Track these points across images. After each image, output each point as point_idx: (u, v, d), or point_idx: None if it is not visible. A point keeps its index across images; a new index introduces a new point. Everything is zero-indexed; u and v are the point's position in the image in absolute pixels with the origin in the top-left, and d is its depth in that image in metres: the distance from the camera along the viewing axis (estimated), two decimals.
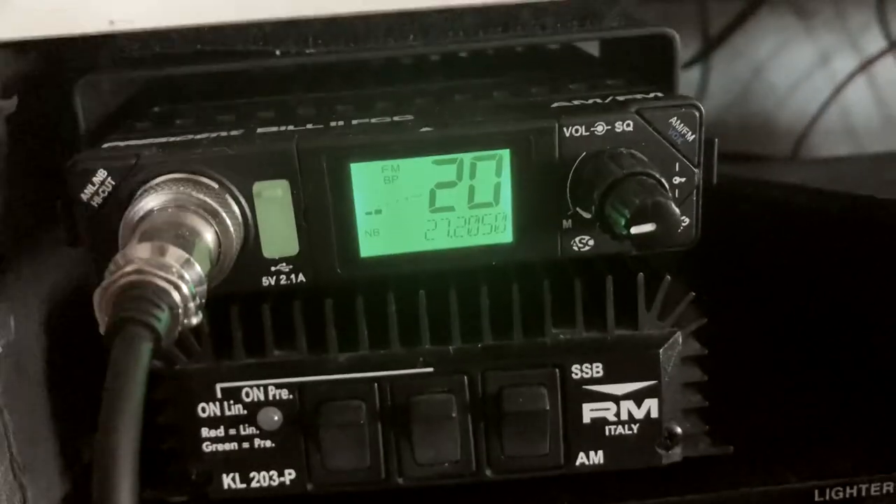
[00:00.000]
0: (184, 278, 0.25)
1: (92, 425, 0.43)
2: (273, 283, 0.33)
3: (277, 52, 0.34)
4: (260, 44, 0.35)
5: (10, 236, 0.36)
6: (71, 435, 0.41)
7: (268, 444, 0.36)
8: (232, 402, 0.35)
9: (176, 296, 0.25)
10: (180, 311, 0.25)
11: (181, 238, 0.27)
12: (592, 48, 0.47)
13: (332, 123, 0.33)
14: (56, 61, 0.39)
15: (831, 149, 0.76)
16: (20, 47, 0.34)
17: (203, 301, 0.26)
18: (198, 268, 0.26)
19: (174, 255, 0.26)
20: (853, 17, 0.74)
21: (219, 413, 0.35)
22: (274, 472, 0.36)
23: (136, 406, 0.22)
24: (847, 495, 0.37)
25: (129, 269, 0.25)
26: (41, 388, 0.38)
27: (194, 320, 0.26)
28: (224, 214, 0.30)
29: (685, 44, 0.35)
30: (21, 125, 0.37)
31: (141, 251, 0.26)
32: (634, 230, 0.28)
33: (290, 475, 0.36)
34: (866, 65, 0.74)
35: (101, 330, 0.25)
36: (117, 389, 0.22)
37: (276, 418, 0.35)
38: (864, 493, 0.37)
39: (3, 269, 0.35)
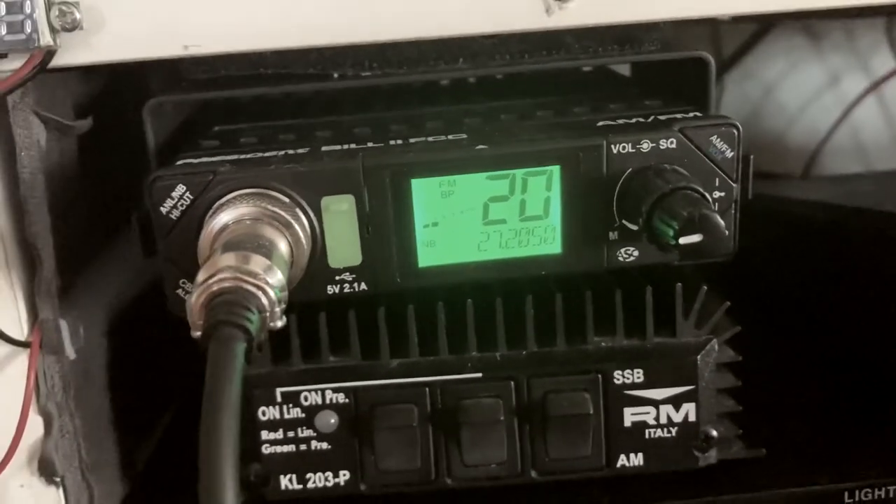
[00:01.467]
0: (269, 283, 0.27)
1: (147, 431, 0.45)
2: (337, 291, 0.34)
3: (335, 75, 0.37)
4: (318, 67, 0.37)
5: (82, 249, 0.38)
6: (128, 439, 0.42)
7: (324, 446, 0.37)
8: (291, 405, 0.37)
9: (264, 300, 0.27)
10: (268, 314, 0.27)
11: (262, 248, 0.29)
12: (622, 69, 0.50)
13: (392, 142, 0.35)
14: (120, 83, 0.42)
15: (841, 167, 0.78)
16: (90, 69, 0.36)
17: (285, 305, 0.28)
18: (279, 274, 0.28)
19: (258, 262, 0.28)
20: (863, 38, 0.76)
21: (278, 416, 0.37)
22: (329, 473, 0.38)
23: (235, 401, 0.24)
24: (876, 497, 0.38)
25: (220, 276, 0.27)
26: (104, 393, 0.40)
27: (279, 323, 0.27)
28: (296, 226, 0.32)
29: None
30: (89, 144, 0.39)
31: (227, 259, 0.27)
32: (683, 241, 0.30)
33: (344, 476, 0.38)
34: (876, 85, 0.76)
35: (194, 333, 0.27)
36: (217, 386, 0.24)
37: (332, 421, 0.37)
38: (892, 495, 0.38)
39: (74, 280, 0.37)
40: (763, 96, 0.78)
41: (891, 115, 0.79)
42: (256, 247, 0.29)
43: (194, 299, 0.26)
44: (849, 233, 0.48)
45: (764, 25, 0.74)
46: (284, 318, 0.28)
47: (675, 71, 0.39)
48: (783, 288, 0.53)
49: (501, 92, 0.42)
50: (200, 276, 0.27)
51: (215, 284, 0.26)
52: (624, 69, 0.50)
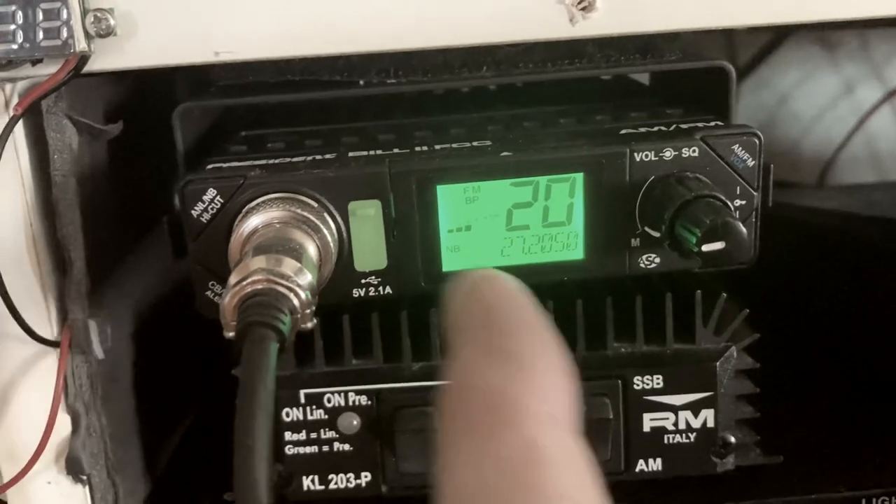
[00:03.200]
0: (300, 286, 0.28)
1: (170, 430, 0.46)
2: (363, 294, 0.35)
3: (361, 82, 0.37)
4: (345, 74, 0.37)
5: (111, 251, 0.39)
6: (153, 438, 0.43)
7: (346, 447, 0.38)
8: (314, 407, 0.37)
9: (295, 301, 0.27)
10: (299, 315, 0.27)
11: (292, 251, 0.29)
12: (641, 78, 0.50)
13: (417, 148, 0.36)
14: (149, 88, 0.42)
15: (856, 177, 0.78)
16: (121, 75, 0.37)
17: (314, 307, 0.29)
18: (310, 276, 0.29)
19: (289, 265, 0.28)
20: (878, 48, 0.76)
21: (301, 418, 0.38)
22: (351, 475, 0.38)
23: (268, 399, 0.24)
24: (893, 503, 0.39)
25: (252, 278, 0.27)
26: (130, 393, 0.41)
27: (309, 325, 0.28)
28: (324, 230, 0.32)
29: None
30: (119, 147, 0.40)
31: (259, 262, 0.28)
32: (705, 248, 0.30)
33: (366, 477, 0.38)
34: (891, 95, 0.76)
35: (227, 334, 0.27)
36: (252, 385, 0.24)
37: (354, 423, 0.37)
38: None
39: (103, 281, 0.38)
40: (778, 105, 0.78)
41: None
42: (287, 250, 0.29)
43: (227, 300, 0.27)
44: (867, 241, 0.49)
45: (779, 35, 0.74)
46: (314, 320, 0.28)
47: (696, 80, 0.40)
48: (801, 296, 0.53)
49: (524, 99, 0.43)
50: (233, 279, 0.28)
51: (248, 286, 0.27)
52: (643, 78, 0.50)
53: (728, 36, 0.74)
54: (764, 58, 0.76)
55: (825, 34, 0.77)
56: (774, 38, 0.74)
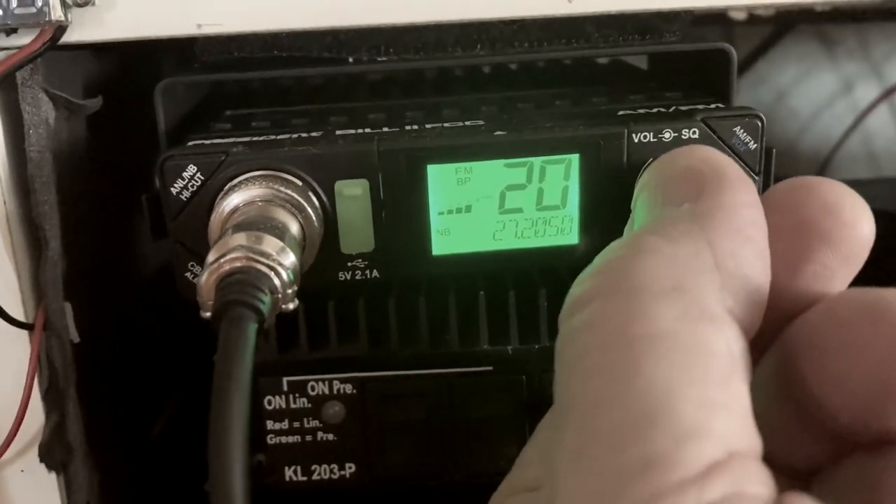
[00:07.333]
0: (282, 265, 0.26)
1: (152, 417, 0.44)
2: (349, 277, 0.34)
3: (350, 60, 0.36)
4: (334, 51, 0.36)
5: (89, 230, 0.38)
6: (133, 425, 0.42)
7: (330, 437, 0.37)
8: (297, 395, 0.36)
9: (276, 280, 0.26)
10: (280, 295, 0.26)
11: (275, 229, 0.28)
12: (639, 61, 0.49)
13: (408, 127, 0.34)
14: (131, 64, 0.41)
15: (853, 174, 0.77)
16: (101, 49, 0.36)
17: (297, 288, 0.27)
18: (292, 256, 0.27)
19: (271, 243, 0.27)
20: (877, 45, 0.76)
21: (284, 406, 0.36)
22: (335, 465, 0.37)
23: (246, 382, 0.23)
24: None
25: (231, 255, 0.26)
26: (109, 378, 0.40)
27: (291, 306, 0.27)
28: (309, 210, 0.31)
29: None
30: (99, 124, 0.38)
31: (239, 239, 0.27)
32: None
33: (350, 468, 0.37)
34: (889, 93, 0.75)
35: (204, 314, 0.26)
36: (228, 366, 0.23)
37: (339, 412, 0.36)
38: None
39: (80, 262, 0.37)
40: (775, 102, 0.78)
41: None
42: (269, 228, 0.28)
43: (205, 279, 0.26)
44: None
45: (777, 30, 0.73)
46: (297, 301, 0.27)
47: (695, 63, 0.38)
48: None
49: (518, 82, 0.42)
50: (211, 256, 0.27)
51: (227, 264, 0.26)
52: (641, 63, 0.49)
53: (726, 31, 0.73)
54: (762, 54, 0.75)
55: (824, 31, 0.76)
56: (773, 34, 0.74)
